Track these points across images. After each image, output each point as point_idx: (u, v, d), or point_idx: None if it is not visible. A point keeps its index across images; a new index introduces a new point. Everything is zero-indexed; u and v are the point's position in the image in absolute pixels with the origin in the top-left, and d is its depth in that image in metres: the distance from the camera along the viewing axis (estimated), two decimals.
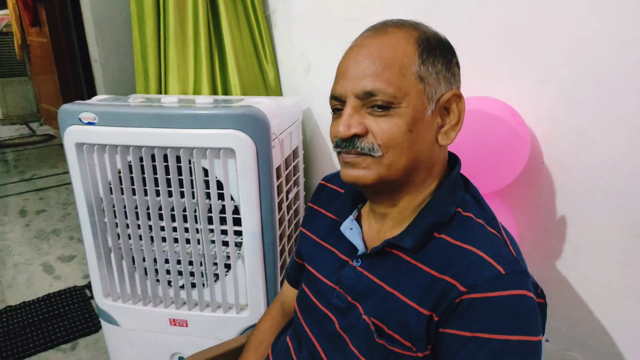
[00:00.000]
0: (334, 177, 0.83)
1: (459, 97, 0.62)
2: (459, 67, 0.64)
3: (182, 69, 1.56)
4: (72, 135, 1.18)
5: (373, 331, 0.61)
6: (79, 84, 4.59)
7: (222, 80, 1.60)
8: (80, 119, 1.18)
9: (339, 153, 0.63)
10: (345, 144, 0.60)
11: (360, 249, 0.67)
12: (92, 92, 3.67)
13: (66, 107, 1.19)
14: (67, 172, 3.77)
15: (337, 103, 0.63)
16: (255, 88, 1.65)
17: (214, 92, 1.60)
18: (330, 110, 0.65)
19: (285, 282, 0.91)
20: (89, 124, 1.18)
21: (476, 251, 0.56)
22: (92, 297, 2.04)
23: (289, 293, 0.89)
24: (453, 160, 0.68)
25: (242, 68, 1.59)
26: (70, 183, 3.53)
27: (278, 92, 1.69)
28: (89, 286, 2.12)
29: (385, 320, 0.61)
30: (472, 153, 0.86)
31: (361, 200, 0.73)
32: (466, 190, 0.65)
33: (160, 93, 1.63)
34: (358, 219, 0.71)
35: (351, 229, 0.69)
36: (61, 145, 4.49)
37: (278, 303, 0.92)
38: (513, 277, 0.55)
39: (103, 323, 1.37)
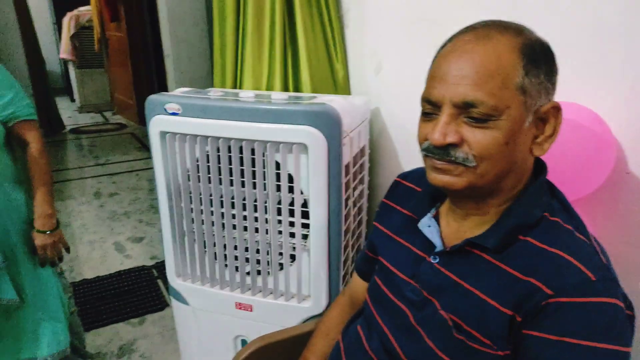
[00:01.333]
0: (410, 175, 0.85)
1: (557, 109, 0.61)
2: (557, 75, 0.63)
3: (256, 66, 1.62)
4: (157, 124, 1.27)
5: (451, 326, 0.62)
6: (150, 77, 4.87)
7: (294, 78, 1.65)
8: (165, 109, 1.26)
9: (427, 156, 0.63)
10: (438, 152, 0.60)
11: (439, 246, 0.69)
12: (162, 86, 3.89)
13: (153, 97, 1.28)
14: (137, 160, 4.04)
15: (430, 107, 0.62)
16: (324, 86, 1.68)
17: (285, 88, 1.65)
18: (421, 112, 0.65)
19: (355, 274, 0.94)
20: (173, 114, 1.26)
21: (564, 255, 0.56)
22: (158, 277, 2.17)
23: (357, 285, 0.92)
24: (539, 165, 0.68)
25: (314, 66, 1.63)
26: (139, 170, 3.77)
27: (347, 91, 1.72)
28: (155, 267, 2.26)
29: (463, 316, 0.62)
30: (553, 159, 0.84)
31: (439, 199, 0.75)
32: (552, 195, 0.65)
33: (235, 88, 1.71)
34: (436, 217, 0.73)
35: (429, 226, 0.71)
36: (132, 134, 4.79)
37: (346, 294, 0.95)
38: (604, 284, 0.54)
39: (173, 301, 1.46)
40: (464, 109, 0.58)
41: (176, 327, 1.52)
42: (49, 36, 6.20)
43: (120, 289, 2.07)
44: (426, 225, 0.71)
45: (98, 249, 2.45)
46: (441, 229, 0.71)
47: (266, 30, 1.59)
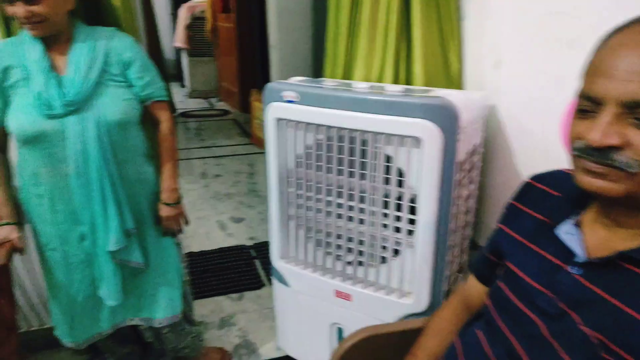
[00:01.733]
0: (545, 178, 0.79)
1: None
2: None
3: (368, 57, 1.61)
4: (273, 111, 1.32)
5: (595, 344, 0.57)
6: (254, 67, 5.10)
7: (406, 70, 1.62)
8: (281, 97, 1.31)
9: (578, 157, 0.59)
10: (595, 154, 0.55)
11: (581, 256, 0.63)
12: (265, 76, 4.05)
13: (272, 85, 1.33)
14: (239, 145, 4.26)
15: (588, 104, 0.57)
16: (437, 79, 1.63)
17: (395, 81, 1.63)
18: (576, 109, 0.60)
19: (472, 277, 0.90)
20: (289, 101, 1.30)
21: None
22: (256, 258, 2.28)
23: (474, 287, 0.88)
24: None
25: (428, 59, 1.59)
26: (240, 154, 3.97)
27: (459, 85, 1.65)
28: (254, 247, 2.38)
29: (611, 336, 0.56)
30: None
31: (582, 205, 0.69)
32: None
33: (344, 78, 1.72)
34: (577, 224, 0.67)
35: (570, 233, 0.66)
36: (234, 121, 5.06)
37: (460, 295, 0.92)
38: None
39: (274, 281, 1.52)
40: (632, 109, 0.53)
41: (275, 306, 1.58)
42: (164, 25, 6.75)
43: (222, 265, 2.21)
44: (566, 232, 0.66)
45: (203, 225, 2.64)
46: (585, 237, 0.65)
47: (381, 21, 1.58)
